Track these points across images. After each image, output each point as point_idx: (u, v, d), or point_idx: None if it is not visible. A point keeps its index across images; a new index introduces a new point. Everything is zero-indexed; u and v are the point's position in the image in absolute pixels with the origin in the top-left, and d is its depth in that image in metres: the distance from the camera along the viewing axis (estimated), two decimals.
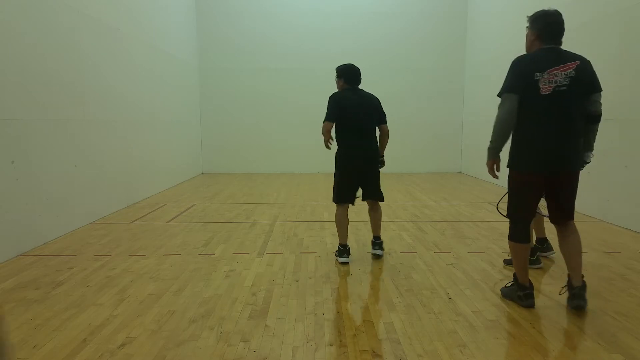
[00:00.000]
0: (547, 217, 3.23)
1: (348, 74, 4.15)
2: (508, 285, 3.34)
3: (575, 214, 3.14)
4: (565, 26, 2.99)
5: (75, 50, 5.49)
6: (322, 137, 3.97)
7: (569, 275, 3.09)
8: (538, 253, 4.03)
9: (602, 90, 3.01)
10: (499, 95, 3.03)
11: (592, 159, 3.20)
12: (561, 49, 2.98)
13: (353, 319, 2.98)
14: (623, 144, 5.43)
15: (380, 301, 3.28)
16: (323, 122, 3.97)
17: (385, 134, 4.22)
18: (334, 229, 4.34)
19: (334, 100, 4.04)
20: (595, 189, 5.80)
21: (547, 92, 2.88)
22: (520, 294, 3.14)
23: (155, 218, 6.12)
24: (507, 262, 4.06)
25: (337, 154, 4.16)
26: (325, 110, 4.02)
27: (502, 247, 4.59)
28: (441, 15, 11.09)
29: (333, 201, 4.21)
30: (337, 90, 4.19)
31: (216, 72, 11.09)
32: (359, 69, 4.18)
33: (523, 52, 3.21)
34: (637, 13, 5.29)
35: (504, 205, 3.30)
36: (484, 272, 3.87)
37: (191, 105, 10.63)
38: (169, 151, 8.88)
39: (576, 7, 6.26)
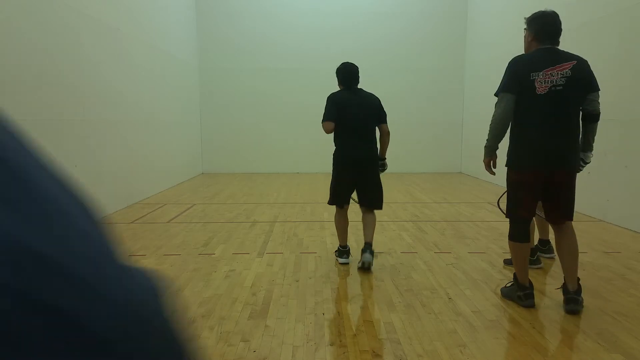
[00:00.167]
0: (542, 217, 3.24)
1: (342, 75, 4.01)
2: (508, 285, 3.34)
3: (575, 214, 3.14)
4: (565, 26, 3.01)
5: (75, 50, 5.49)
6: (325, 135, 3.96)
7: (564, 279, 3.09)
8: (538, 253, 4.03)
9: (599, 90, 3.01)
10: (495, 95, 3.07)
11: (591, 159, 3.21)
12: (558, 49, 2.99)
13: (353, 319, 2.99)
14: (623, 144, 5.42)
15: (380, 301, 3.28)
16: (322, 123, 3.87)
17: (385, 134, 4.04)
18: (334, 229, 4.33)
19: (331, 99, 3.94)
20: (595, 189, 5.80)
21: (543, 92, 2.89)
22: (520, 294, 3.14)
23: (155, 218, 6.12)
24: (507, 262, 4.06)
25: (334, 155, 4.05)
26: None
27: (502, 247, 4.59)
28: (441, 15, 11.09)
29: (328, 203, 4.15)
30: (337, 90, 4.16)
31: (216, 72, 11.08)
32: (357, 69, 4.02)
33: (522, 52, 3.24)
34: (637, 13, 5.29)
35: (504, 205, 3.30)
36: (484, 272, 3.87)
37: (191, 105, 10.62)
38: (169, 151, 8.87)
39: (576, 7, 6.26)
